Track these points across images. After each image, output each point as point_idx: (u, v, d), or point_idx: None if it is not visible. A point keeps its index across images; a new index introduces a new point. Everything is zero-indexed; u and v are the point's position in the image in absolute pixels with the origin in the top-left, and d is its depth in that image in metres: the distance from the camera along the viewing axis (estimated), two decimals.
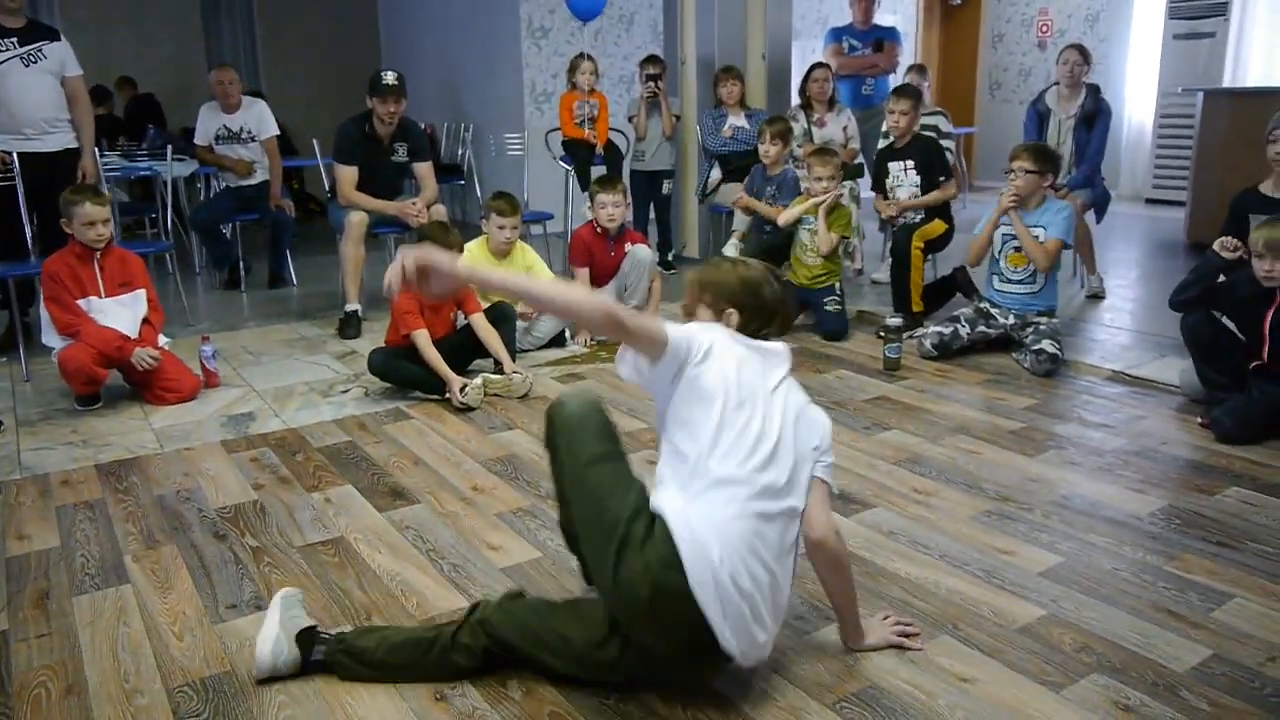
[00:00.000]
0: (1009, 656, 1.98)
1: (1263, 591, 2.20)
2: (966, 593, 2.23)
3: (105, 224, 3.65)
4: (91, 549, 2.55)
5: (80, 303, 3.65)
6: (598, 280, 4.52)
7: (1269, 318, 3.12)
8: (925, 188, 4.69)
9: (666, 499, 1.77)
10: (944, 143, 5.39)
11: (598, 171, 5.87)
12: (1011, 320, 4.08)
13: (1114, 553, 2.39)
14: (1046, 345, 3.83)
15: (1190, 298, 3.34)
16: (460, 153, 7.40)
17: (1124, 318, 4.68)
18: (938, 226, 4.56)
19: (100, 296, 3.70)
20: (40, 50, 4.41)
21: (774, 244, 4.67)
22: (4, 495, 2.91)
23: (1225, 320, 3.32)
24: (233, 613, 2.21)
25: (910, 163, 4.71)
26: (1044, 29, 9.30)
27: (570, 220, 5.92)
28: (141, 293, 3.78)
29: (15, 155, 4.35)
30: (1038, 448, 3.10)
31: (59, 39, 4.50)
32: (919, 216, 4.66)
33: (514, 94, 7.60)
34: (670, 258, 6.10)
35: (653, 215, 6.06)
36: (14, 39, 4.35)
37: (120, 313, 3.72)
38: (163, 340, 3.81)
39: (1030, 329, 3.99)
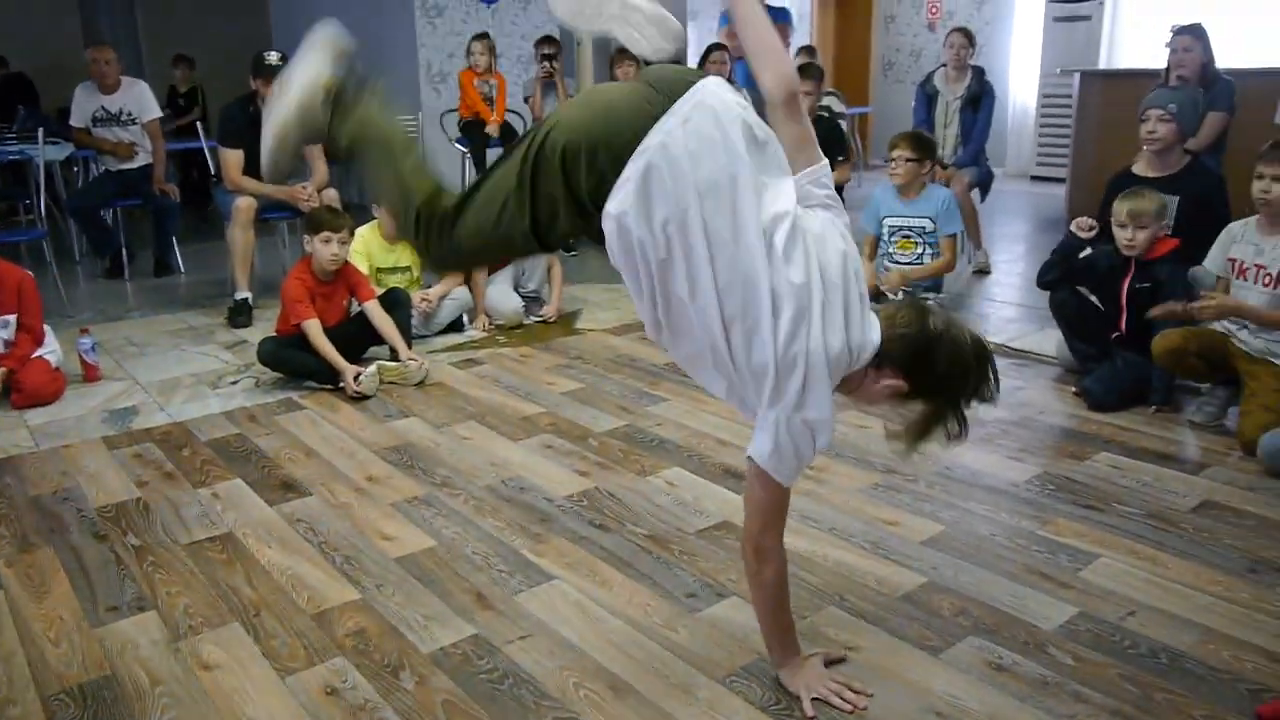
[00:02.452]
0: (892, 624, 2.05)
1: (1126, 551, 2.33)
2: (853, 564, 2.30)
3: None
4: None
5: None
6: (497, 264, 4.48)
7: (1124, 288, 3.29)
8: None
9: None
10: (839, 122, 5.49)
11: (494, 153, 5.82)
12: (900, 296, 4.20)
13: (991, 519, 2.50)
14: None
15: (1053, 277, 3.51)
16: None
17: (1009, 291, 4.86)
18: None
19: None
20: None
21: None
22: None
23: (1089, 295, 3.48)
24: (113, 615, 2.15)
25: None
26: (934, 11, 9.53)
27: None
28: (11, 319, 3.57)
29: None
30: None
31: None
32: None
33: (409, 74, 7.45)
34: (570, 240, 6.08)
35: None
36: None
37: None
38: (39, 352, 3.61)
39: None
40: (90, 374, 3.77)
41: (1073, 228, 3.45)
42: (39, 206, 5.48)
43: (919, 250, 4.16)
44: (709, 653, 1.97)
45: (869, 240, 4.36)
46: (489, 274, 4.45)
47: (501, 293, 4.43)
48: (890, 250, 4.24)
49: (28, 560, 2.40)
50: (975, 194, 5.37)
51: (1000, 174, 5.77)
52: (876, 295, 4.79)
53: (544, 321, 4.47)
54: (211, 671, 1.94)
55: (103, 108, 5.50)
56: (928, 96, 5.44)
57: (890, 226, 4.21)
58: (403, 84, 7.49)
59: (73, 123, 5.55)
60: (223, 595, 2.22)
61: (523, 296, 4.52)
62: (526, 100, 6.01)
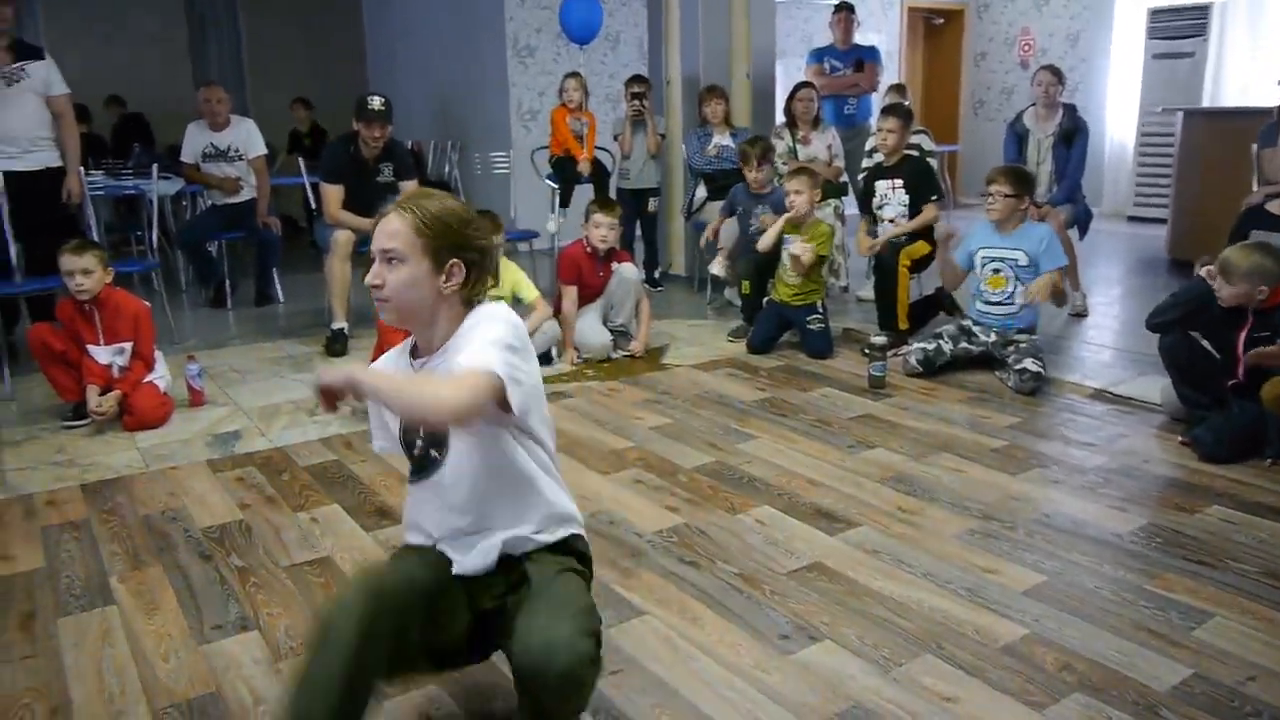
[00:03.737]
0: (991, 675, 1.99)
1: (1242, 610, 2.22)
2: (950, 611, 2.25)
3: (85, 275, 3.58)
4: (76, 570, 2.54)
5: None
6: (585, 298, 4.54)
7: (1241, 337, 3.16)
8: (913, 207, 4.73)
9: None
10: (929, 161, 5.43)
11: (582, 190, 5.90)
12: (993, 338, 4.12)
13: (1096, 571, 2.42)
14: (1029, 364, 3.87)
15: (1169, 319, 3.38)
16: (447, 170, 7.42)
17: (1106, 335, 4.73)
18: (922, 247, 4.60)
19: (98, 344, 3.69)
20: (23, 69, 4.41)
21: (762, 261, 4.69)
22: None
23: (1202, 340, 3.36)
24: (218, 633, 2.21)
25: (899, 181, 4.75)
26: (1026, 48, 9.41)
27: (557, 238, 5.94)
28: (128, 346, 3.74)
29: (0, 175, 4.35)
30: (1021, 466, 3.12)
31: (43, 58, 4.50)
32: (904, 236, 4.69)
33: (500, 112, 7.64)
34: (656, 276, 6.13)
35: (639, 233, 6.09)
36: None
37: (114, 361, 3.71)
38: (150, 377, 3.78)
39: (1011, 347, 4.03)
40: (196, 399, 3.91)
41: (1202, 273, 3.29)
42: (150, 239, 5.74)
43: (1009, 288, 4.07)
44: (803, 697, 1.94)
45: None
46: (578, 308, 4.50)
47: (590, 326, 4.48)
48: (981, 287, 4.16)
49: (139, 577, 2.49)
50: (1074, 233, 5.25)
51: (1096, 213, 5.63)
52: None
53: (631, 356, 4.50)
54: None
55: (212, 144, 5.75)
56: (1018, 135, 5.36)
57: (983, 258, 4.13)
58: (494, 121, 7.68)
59: (183, 159, 5.81)
60: None
61: (610, 331, 4.55)
62: (616, 138, 6.09)
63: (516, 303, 4.41)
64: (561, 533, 1.83)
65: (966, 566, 2.46)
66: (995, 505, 2.83)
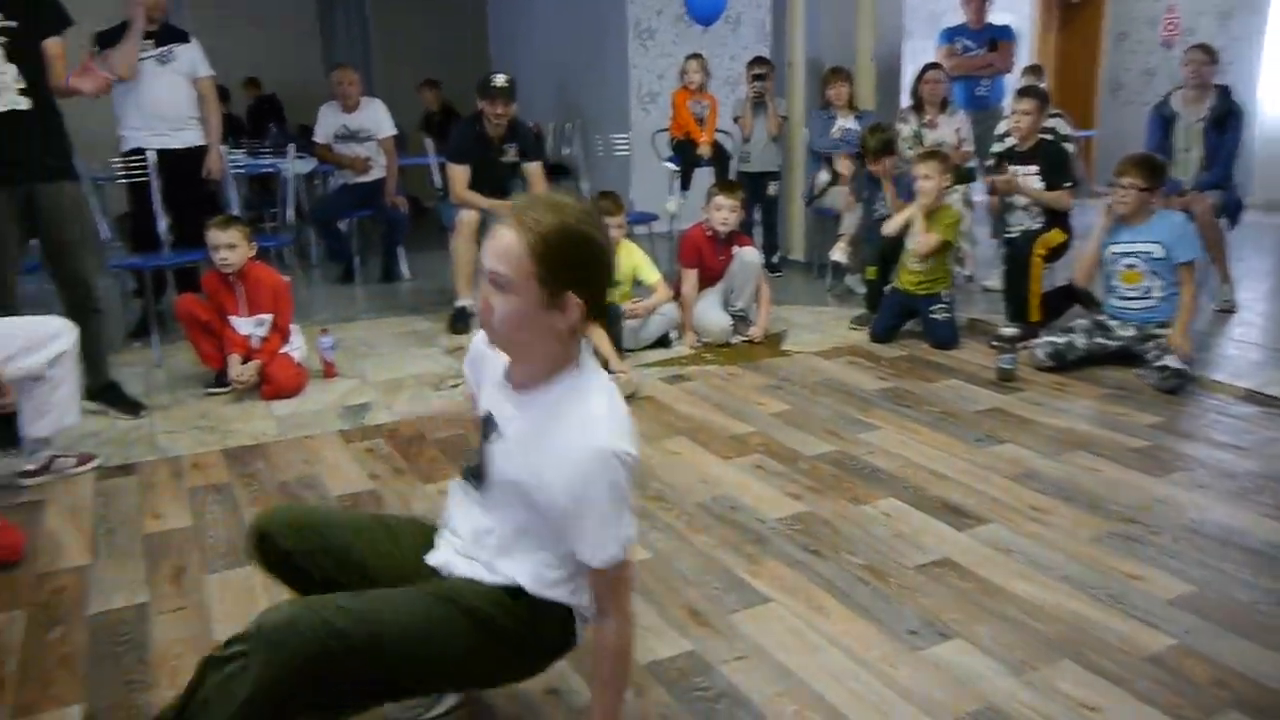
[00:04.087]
0: (1137, 686, 1.91)
1: None
2: (1090, 617, 2.15)
3: (230, 249, 3.76)
4: (220, 530, 2.67)
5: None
6: (705, 282, 4.52)
7: None
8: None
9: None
10: (1065, 146, 5.21)
11: (702, 173, 5.87)
12: (1131, 333, 3.93)
13: (1250, 584, 2.28)
14: (1171, 360, 3.67)
15: None
16: (566, 151, 7.48)
17: (1255, 332, 4.46)
18: (1057, 235, 4.41)
19: (240, 315, 3.87)
20: (172, 52, 4.63)
21: (885, 249, 4.59)
22: (141, 475, 3.07)
23: None
24: None
25: (1033, 167, 4.57)
26: (1170, 27, 8.91)
27: (675, 221, 5.93)
28: (267, 318, 3.90)
29: (150, 151, 4.57)
30: (1165, 468, 2.97)
31: (189, 41, 4.71)
32: (1039, 223, 4.51)
33: (620, 94, 7.65)
34: (775, 260, 6.06)
35: (758, 217, 6.03)
36: (150, 40, 4.57)
37: (254, 332, 3.88)
38: (286, 348, 3.93)
39: (1151, 343, 3.84)
40: (328, 371, 4.05)
41: None
42: (283, 216, 5.96)
43: (1146, 284, 3.86)
44: (932, 694, 1.89)
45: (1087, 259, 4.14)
46: (697, 294, 4.49)
47: (710, 310, 4.46)
48: (1114, 284, 3.97)
49: None
50: (1223, 222, 4.96)
51: (1246, 203, 5.31)
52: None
53: (750, 341, 4.46)
54: None
55: (344, 125, 5.93)
56: (1164, 119, 5.09)
57: (1114, 254, 3.95)
58: (614, 103, 7.70)
59: (316, 139, 6.01)
60: None
61: (730, 315, 4.52)
62: (736, 120, 6.03)
63: (637, 285, 4.42)
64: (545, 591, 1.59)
65: (1107, 571, 2.36)
66: (1137, 508, 2.70)
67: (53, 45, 3.36)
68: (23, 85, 3.21)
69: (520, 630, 1.58)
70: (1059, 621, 2.14)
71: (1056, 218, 4.52)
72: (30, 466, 3.01)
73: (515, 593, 1.57)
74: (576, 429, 1.47)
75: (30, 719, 1.87)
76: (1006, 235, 4.66)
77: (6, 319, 3.00)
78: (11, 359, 2.82)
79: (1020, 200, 4.60)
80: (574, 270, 1.44)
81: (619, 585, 1.53)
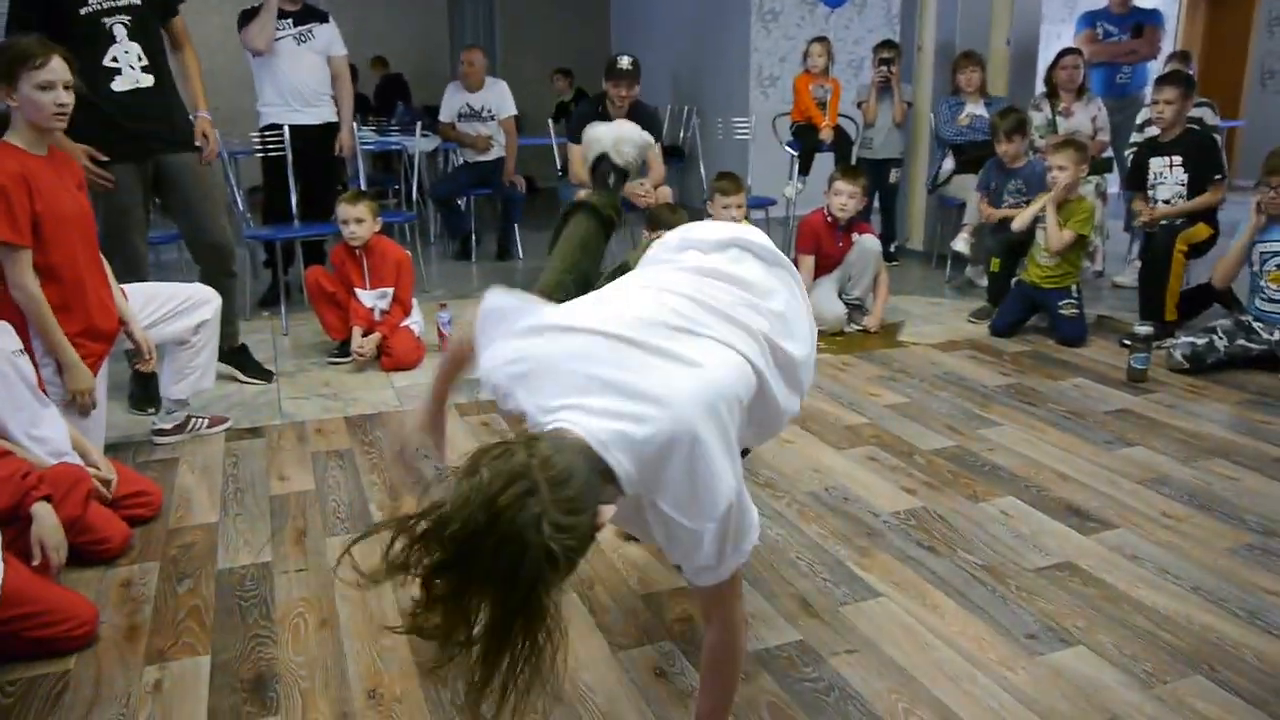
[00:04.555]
0: (1276, 709, 1.79)
1: None
2: (1225, 632, 2.04)
3: (358, 223, 3.88)
4: (341, 495, 2.76)
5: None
6: (822, 269, 4.44)
7: None
8: (1193, 187, 4.29)
9: None
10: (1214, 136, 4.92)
11: (822, 158, 5.77)
12: (1277, 337, 3.70)
13: None
14: None
15: None
16: (683, 135, 7.46)
17: None
18: (1202, 230, 4.17)
19: (364, 288, 3.99)
20: (311, 31, 4.78)
21: (1012, 241, 4.42)
22: (268, 439, 3.20)
23: None
24: None
25: (1176, 159, 4.32)
26: None
27: (793, 206, 5.85)
28: (389, 291, 4.01)
29: (286, 126, 4.74)
30: None
31: (328, 21, 4.86)
32: (1180, 219, 4.28)
33: (740, 77, 7.58)
34: (893, 249, 5.92)
35: (877, 205, 5.89)
36: (290, 19, 4.73)
37: (377, 304, 4.00)
38: (406, 321, 4.03)
39: None
40: (446, 345, 4.14)
41: None
42: (406, 192, 6.11)
43: None
44: (1052, 702, 1.82)
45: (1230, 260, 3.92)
46: (814, 279, 4.42)
47: (825, 297, 4.38)
48: (1263, 285, 3.73)
49: (395, 508, 2.67)
50: None
51: None
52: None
53: (865, 331, 4.37)
54: None
55: (468, 104, 6.03)
56: None
57: (1264, 254, 3.71)
58: (733, 86, 7.63)
59: (442, 117, 6.14)
60: None
61: (845, 304, 4.44)
62: (859, 105, 5.90)
63: None
64: None
65: (1244, 585, 2.23)
66: (1278, 520, 2.54)
67: (179, 22, 3.50)
68: (145, 63, 3.34)
69: None
70: (1190, 634, 2.03)
71: (1203, 213, 4.27)
72: (166, 426, 3.17)
73: None
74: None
75: (163, 664, 1.97)
76: (1147, 229, 4.43)
77: (157, 285, 3.16)
78: (161, 323, 2.97)
79: (1163, 193, 4.36)
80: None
81: (728, 596, 1.47)
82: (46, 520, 2.06)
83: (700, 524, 1.30)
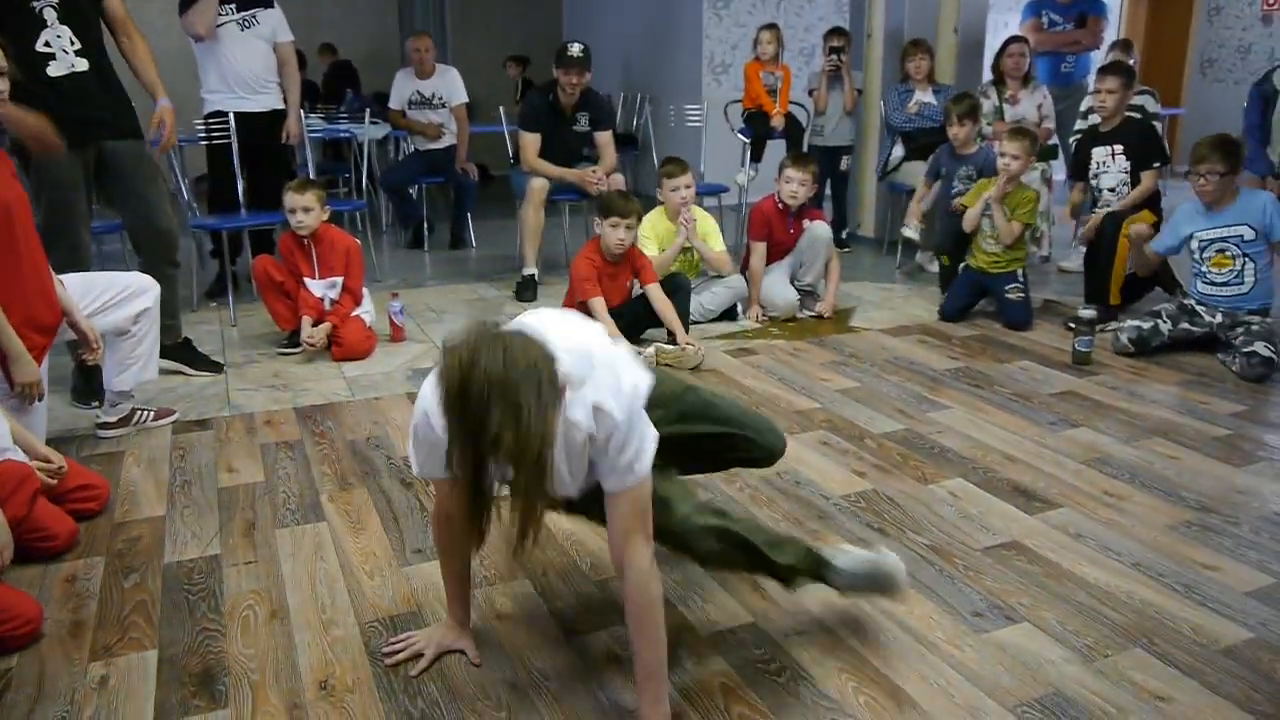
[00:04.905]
0: (1210, 678, 1.85)
1: None
2: (1163, 606, 2.10)
3: (305, 212, 3.82)
4: (291, 486, 2.73)
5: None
6: (774, 255, 4.47)
7: None
8: (1135, 175, 4.38)
9: None
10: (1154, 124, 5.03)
11: (774, 145, 5.80)
12: (1219, 319, 3.79)
13: None
14: (1260, 347, 3.54)
15: None
16: (635, 122, 7.45)
17: None
18: (1146, 217, 4.26)
19: (314, 278, 3.94)
20: (255, 16, 4.69)
21: (958, 231, 4.47)
22: (216, 431, 3.15)
23: None
24: (418, 557, 2.32)
25: (1119, 147, 4.41)
26: (1271, 2, 8.54)
27: (746, 193, 5.88)
28: (339, 280, 3.96)
29: (231, 114, 4.65)
30: (1246, 458, 2.87)
31: (272, 6, 4.77)
32: (1120, 203, 4.37)
33: (692, 65, 7.58)
34: (844, 236, 5.97)
35: (829, 192, 5.94)
36: (233, 4, 4.64)
37: (326, 294, 3.95)
38: (357, 311, 3.98)
39: (1241, 329, 3.70)
40: (397, 334, 4.11)
41: None
42: (356, 180, 6.04)
43: (1237, 266, 3.72)
44: (998, 678, 1.86)
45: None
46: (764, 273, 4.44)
47: (777, 284, 4.41)
48: (1204, 270, 3.83)
49: (346, 498, 2.65)
50: None
51: None
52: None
53: (818, 317, 4.41)
54: (503, 620, 2.06)
55: (418, 92, 5.97)
56: (1264, 97, 4.87)
57: (1201, 241, 3.81)
58: (685, 73, 7.63)
59: (392, 105, 6.07)
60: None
61: (798, 290, 4.47)
62: (810, 93, 5.93)
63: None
64: None
65: (1181, 560, 2.29)
66: (1215, 498, 2.61)
67: (116, 7, 3.41)
68: (78, 46, 3.26)
69: None
70: (1130, 609, 2.08)
71: (1147, 200, 4.37)
72: (111, 419, 3.11)
73: None
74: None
75: (109, 660, 1.94)
76: (1087, 242, 4.49)
77: (93, 274, 3.09)
78: (99, 313, 2.91)
79: (1107, 181, 4.45)
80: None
81: (636, 536, 1.64)
82: None
83: (624, 411, 1.59)
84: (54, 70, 3.21)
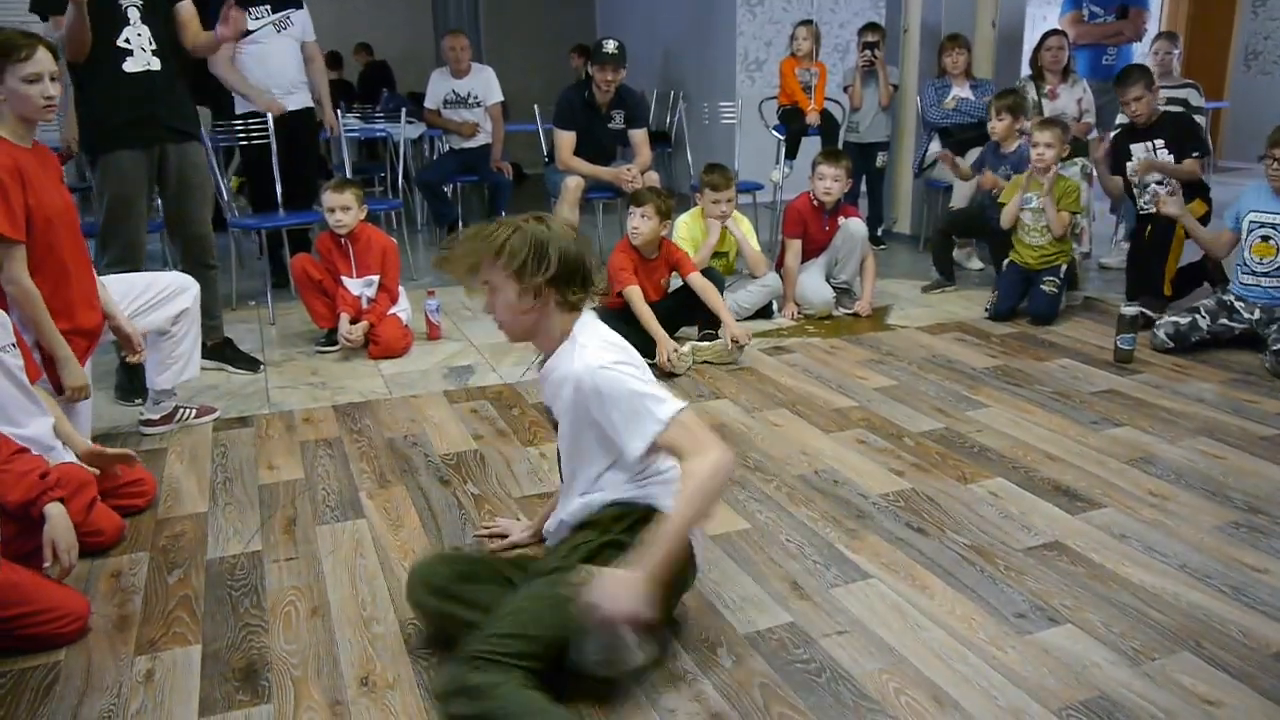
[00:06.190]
0: (1262, 683, 1.81)
1: None
2: (1211, 609, 2.06)
3: (344, 211, 3.87)
4: (331, 483, 2.75)
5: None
6: (809, 253, 4.44)
7: None
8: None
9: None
10: (1195, 118, 4.94)
11: (810, 142, 5.76)
12: (1257, 315, 3.72)
13: None
14: None
15: None
16: (669, 120, 7.43)
17: None
18: (1199, 207, 4.18)
19: (351, 276, 3.98)
20: (289, 18, 4.75)
21: (960, 219, 4.42)
22: (256, 428, 3.19)
23: None
24: None
25: (1159, 141, 4.34)
26: None
27: (780, 190, 5.85)
28: (376, 279, 4.00)
29: (270, 115, 4.70)
30: None
31: (302, 6, 4.82)
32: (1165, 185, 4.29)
33: (726, 62, 7.55)
34: (880, 233, 5.92)
35: (864, 188, 5.90)
36: (267, 6, 4.68)
37: (364, 293, 3.99)
38: (393, 309, 4.02)
39: (1276, 325, 3.63)
40: (433, 333, 4.13)
41: None
42: (391, 180, 6.08)
43: (1277, 257, 3.65)
44: (1042, 680, 1.84)
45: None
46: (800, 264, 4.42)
47: (812, 281, 4.38)
48: (1246, 257, 3.75)
49: (385, 495, 2.67)
50: None
51: None
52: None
53: (854, 315, 4.38)
54: None
55: (453, 91, 6.00)
56: None
57: (1252, 223, 3.73)
58: (720, 70, 7.60)
59: (427, 104, 6.10)
60: None
61: (834, 288, 4.44)
62: (845, 89, 5.89)
63: (741, 255, 4.38)
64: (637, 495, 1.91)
65: (1229, 562, 2.25)
66: (1263, 498, 2.56)
67: (185, 9, 3.47)
68: (155, 47, 3.33)
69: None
70: (1177, 612, 2.05)
71: (1195, 190, 4.29)
72: (154, 416, 3.15)
73: (619, 511, 1.89)
74: (566, 364, 1.87)
75: (154, 654, 1.97)
76: (1141, 210, 4.42)
77: (133, 275, 3.13)
78: (139, 314, 2.95)
79: (1153, 175, 4.37)
80: (533, 261, 1.81)
81: (684, 438, 1.76)
82: (60, 521, 2.04)
83: (590, 374, 1.79)
84: (130, 66, 3.28)
